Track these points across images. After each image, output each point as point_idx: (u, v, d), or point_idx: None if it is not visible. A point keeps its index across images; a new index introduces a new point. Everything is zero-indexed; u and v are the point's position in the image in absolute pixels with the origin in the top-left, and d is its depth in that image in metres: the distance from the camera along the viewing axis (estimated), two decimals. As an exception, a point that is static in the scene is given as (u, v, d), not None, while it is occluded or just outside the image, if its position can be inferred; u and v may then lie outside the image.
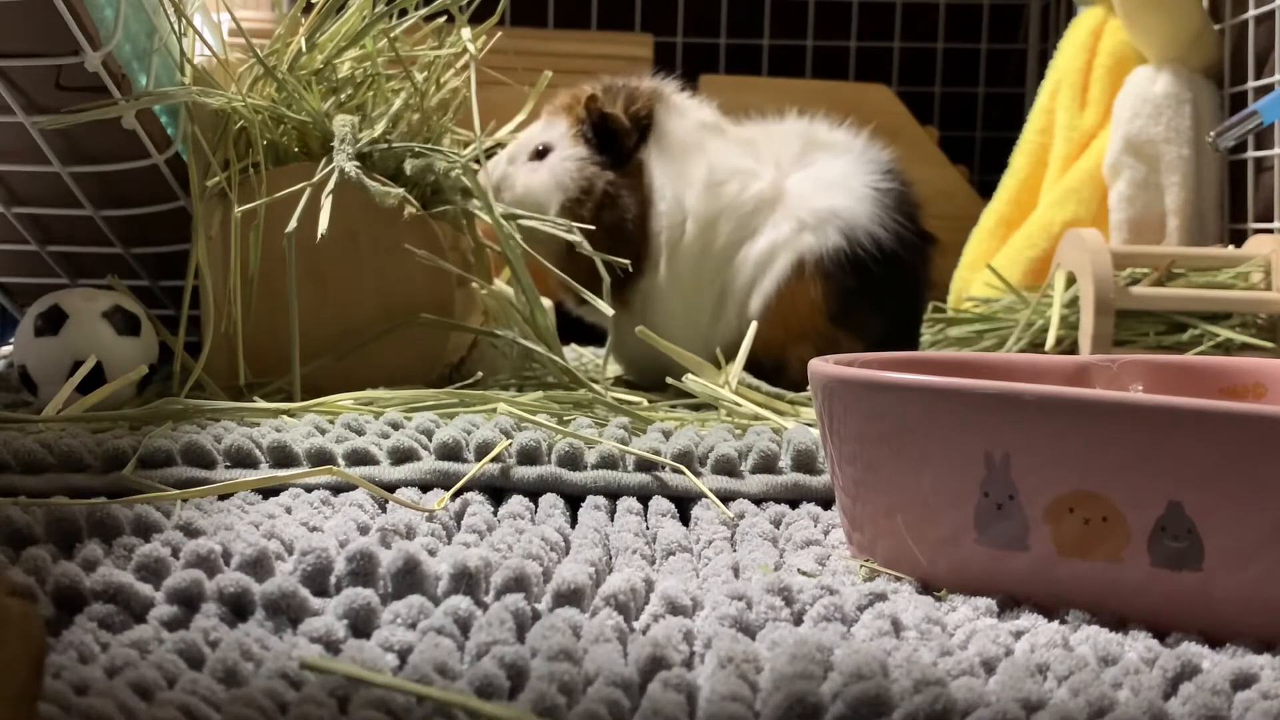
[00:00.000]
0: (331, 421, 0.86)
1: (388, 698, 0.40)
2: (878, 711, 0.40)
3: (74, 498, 0.65)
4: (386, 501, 0.70)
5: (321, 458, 0.77)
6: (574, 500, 0.75)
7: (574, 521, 0.71)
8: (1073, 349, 1.28)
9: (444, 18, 1.17)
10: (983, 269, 1.58)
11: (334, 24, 1.11)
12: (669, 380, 1.03)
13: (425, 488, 0.75)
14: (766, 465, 0.78)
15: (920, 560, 0.57)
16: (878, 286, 1.16)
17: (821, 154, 1.21)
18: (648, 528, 0.69)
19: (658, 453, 0.78)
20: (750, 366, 1.06)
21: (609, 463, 0.77)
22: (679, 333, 1.15)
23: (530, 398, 0.97)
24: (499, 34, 1.23)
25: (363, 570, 0.52)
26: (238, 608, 0.50)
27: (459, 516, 0.69)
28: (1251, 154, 1.50)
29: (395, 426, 0.84)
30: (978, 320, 1.46)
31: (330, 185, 0.99)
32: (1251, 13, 1.50)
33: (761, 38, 2.22)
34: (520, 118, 1.28)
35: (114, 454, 0.74)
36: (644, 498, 0.75)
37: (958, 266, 1.71)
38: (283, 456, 0.77)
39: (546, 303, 1.21)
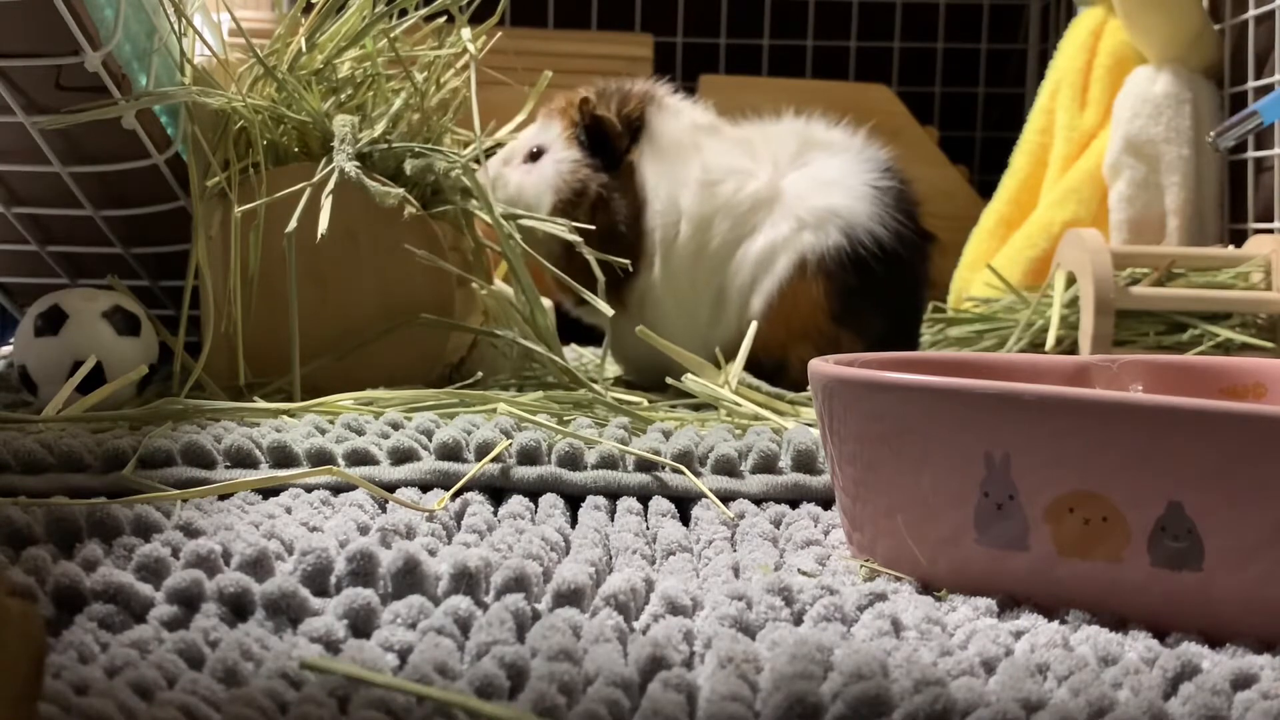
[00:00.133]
0: (331, 421, 0.86)
1: (388, 698, 0.40)
2: (878, 711, 0.40)
3: (74, 498, 0.65)
4: (386, 501, 0.70)
5: (321, 458, 0.77)
6: (574, 500, 0.75)
7: (574, 521, 0.71)
8: (1073, 349, 1.28)
9: (444, 18, 1.17)
10: (983, 269, 1.58)
11: (334, 24, 1.11)
12: (669, 380, 1.03)
13: (425, 488, 0.75)
14: (766, 465, 0.78)
15: (920, 560, 0.57)
16: (879, 285, 1.16)
17: (819, 153, 1.21)
18: (648, 528, 0.69)
19: (658, 453, 0.78)
20: (751, 366, 1.06)
21: (609, 463, 0.77)
22: (675, 333, 1.15)
23: (530, 398, 0.97)
24: (499, 34, 1.23)
25: (363, 570, 0.52)
26: (238, 608, 0.50)
27: (459, 516, 0.69)
28: (1251, 154, 1.50)
29: (395, 426, 0.84)
30: (978, 320, 1.46)
31: (330, 185, 0.99)
32: (1251, 13, 1.50)
33: (761, 38, 2.22)
34: (520, 118, 1.28)
35: (114, 454, 0.74)
36: (644, 498, 0.75)
37: (958, 266, 1.71)
38: (283, 456, 0.77)
39: (546, 303, 1.21)
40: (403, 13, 1.13)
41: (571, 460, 0.77)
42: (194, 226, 1.04)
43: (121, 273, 1.13)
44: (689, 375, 1.01)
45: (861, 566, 0.60)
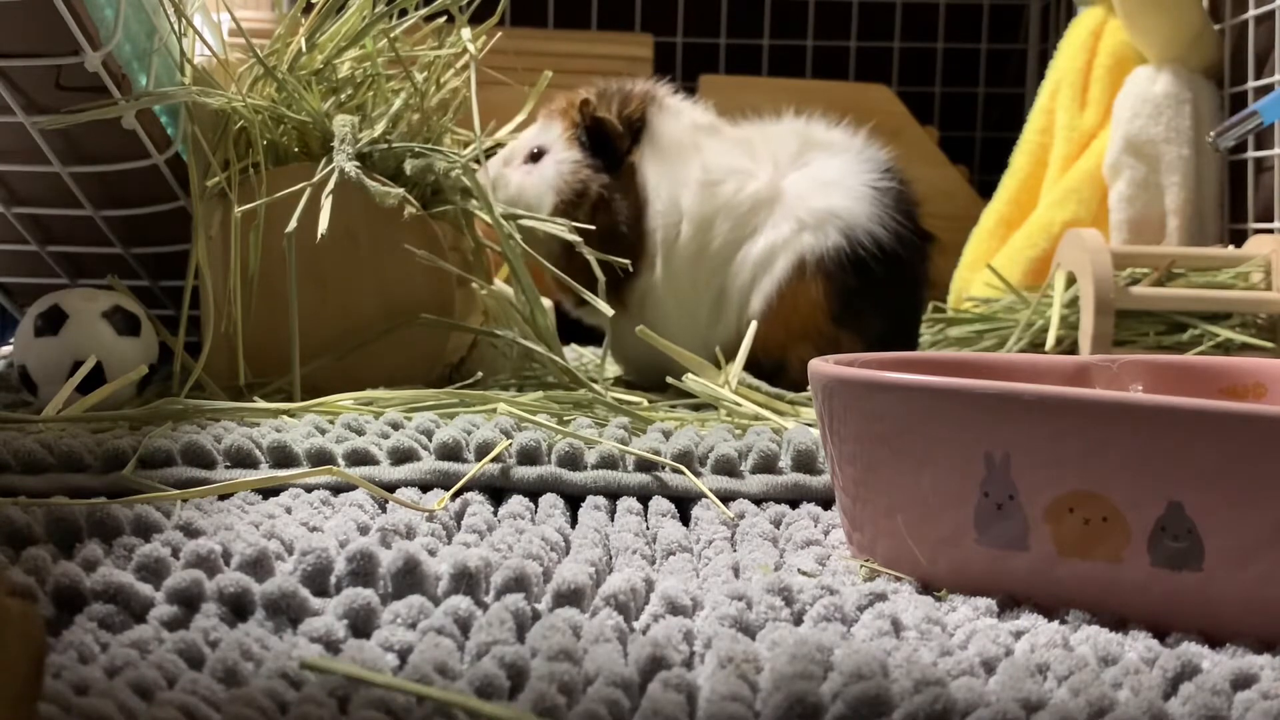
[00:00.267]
0: (331, 421, 0.86)
1: (388, 698, 0.40)
2: (878, 711, 0.40)
3: (74, 498, 0.65)
4: (386, 501, 0.70)
5: (321, 458, 0.77)
6: (574, 500, 0.75)
7: (574, 521, 0.71)
8: (1073, 349, 1.28)
9: (444, 18, 1.17)
10: (983, 269, 1.58)
11: (334, 24, 1.11)
12: (669, 380, 1.03)
13: (425, 488, 0.75)
14: (766, 465, 0.78)
15: (920, 560, 0.57)
16: (878, 286, 1.16)
17: (819, 153, 1.21)
18: (648, 528, 0.69)
19: (658, 453, 0.78)
20: (750, 367, 1.06)
21: (609, 463, 0.77)
22: (676, 333, 1.15)
23: (530, 398, 0.97)
24: (499, 34, 1.23)
25: (363, 570, 0.52)
26: (238, 608, 0.50)
27: (459, 516, 0.69)
28: (1251, 154, 1.50)
29: (395, 426, 0.84)
30: (978, 320, 1.46)
31: (330, 185, 0.99)
32: (1251, 13, 1.50)
33: (761, 38, 2.22)
34: (520, 118, 1.28)
35: (114, 454, 0.74)
36: (644, 498, 0.75)
37: (958, 266, 1.71)
38: (283, 456, 0.77)
39: (546, 303, 1.21)
40: (403, 13, 1.13)
41: (571, 460, 0.77)
42: (194, 226, 1.04)
43: (121, 273, 1.13)
44: (689, 375, 1.01)
45: (861, 566, 0.60)
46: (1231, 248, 1.38)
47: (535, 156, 1.23)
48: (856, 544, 0.61)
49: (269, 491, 0.73)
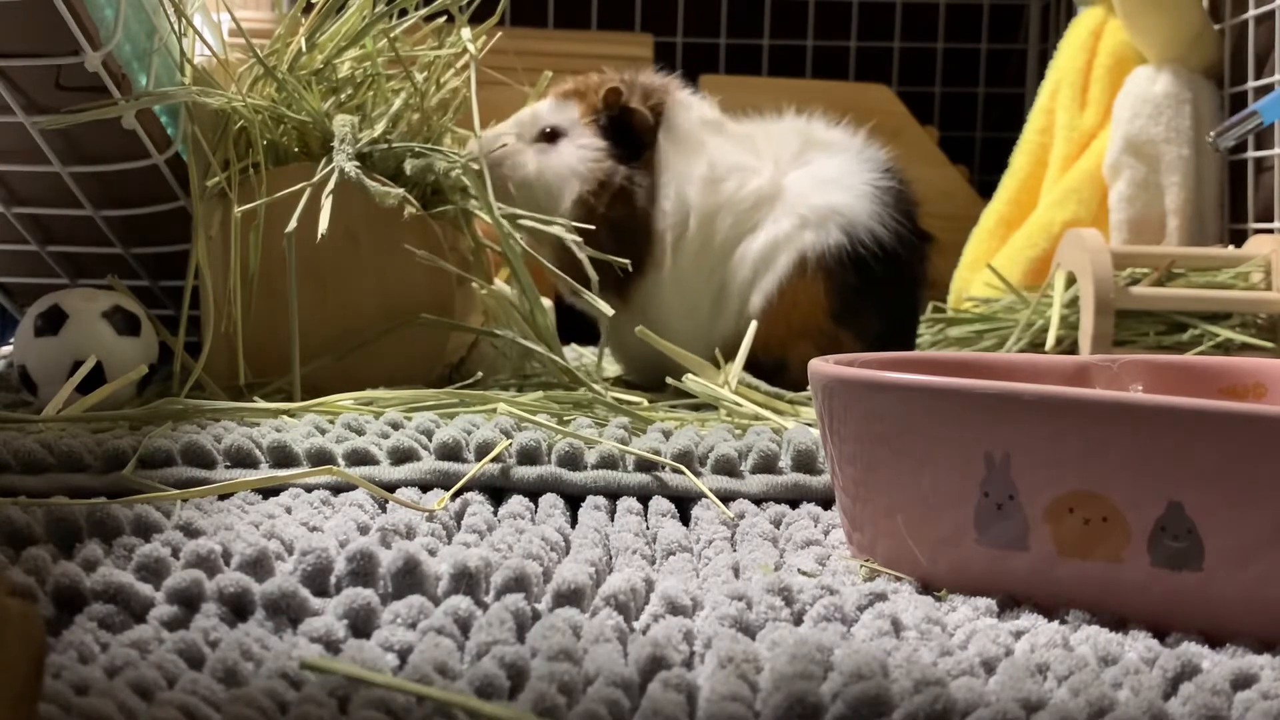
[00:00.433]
0: (331, 421, 0.86)
1: (388, 698, 0.40)
2: (878, 711, 0.40)
3: (74, 498, 0.65)
4: (386, 501, 0.70)
5: (321, 458, 0.77)
6: (574, 500, 0.75)
7: (574, 521, 0.71)
8: (1073, 349, 1.28)
9: (444, 18, 1.17)
10: (983, 269, 1.58)
11: (334, 24, 1.11)
12: (669, 380, 1.03)
13: (425, 488, 0.75)
14: (766, 465, 0.78)
15: (920, 560, 0.57)
16: (878, 284, 1.16)
17: (819, 152, 1.22)
18: (648, 528, 0.69)
19: (658, 453, 0.78)
20: (750, 365, 1.06)
21: (609, 463, 0.77)
22: (680, 330, 1.14)
23: (530, 398, 0.97)
24: (499, 34, 1.23)
25: (363, 570, 0.52)
26: (238, 608, 0.50)
27: (459, 516, 0.69)
28: (1251, 154, 1.50)
29: (395, 426, 0.84)
30: (978, 320, 1.46)
31: (330, 185, 0.99)
32: (1251, 13, 1.50)
33: (761, 38, 2.22)
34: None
35: (114, 454, 0.74)
36: (644, 498, 0.75)
37: (958, 266, 1.71)
38: (283, 456, 0.77)
39: (546, 302, 1.21)
40: (403, 13, 1.13)
41: (571, 460, 0.77)
42: (194, 226, 1.04)
43: (121, 273, 1.13)
44: (689, 375, 1.01)
45: (861, 566, 0.60)
46: (1231, 248, 1.38)
47: (549, 136, 1.20)
48: (856, 544, 0.61)
49: (269, 491, 0.73)
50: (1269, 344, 1.27)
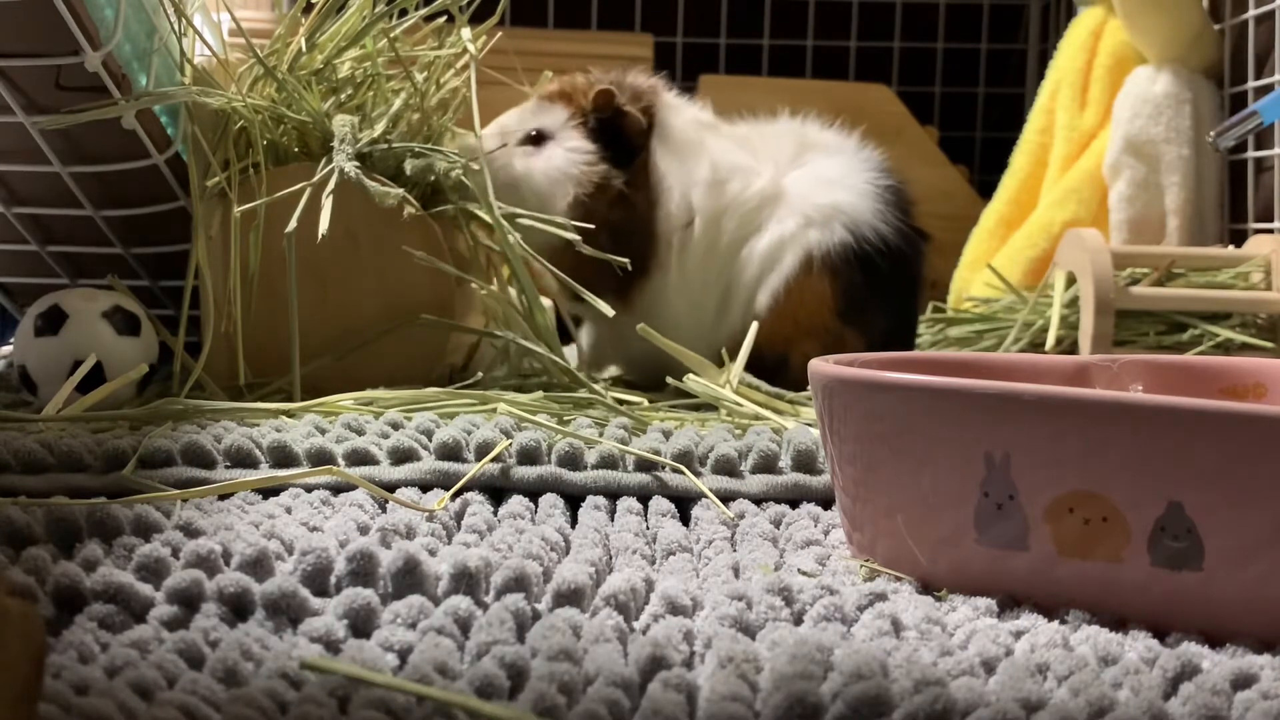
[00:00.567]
0: (331, 421, 0.86)
1: (388, 698, 0.40)
2: (878, 711, 0.40)
3: (74, 498, 0.65)
4: (386, 501, 0.70)
5: (321, 458, 0.77)
6: (574, 500, 0.75)
7: (574, 521, 0.71)
8: (1073, 349, 1.28)
9: (444, 18, 1.17)
10: (983, 269, 1.58)
11: (334, 24, 1.11)
12: (669, 380, 1.03)
13: (425, 488, 0.75)
14: (766, 465, 0.78)
15: (920, 560, 0.57)
16: (883, 282, 1.17)
17: (816, 153, 1.22)
18: (648, 528, 0.69)
19: (658, 453, 0.78)
20: (754, 361, 1.06)
21: (609, 463, 0.77)
22: (685, 331, 1.14)
23: (530, 398, 0.97)
24: (499, 34, 1.23)
25: (363, 570, 0.52)
26: (238, 608, 0.50)
27: (459, 516, 0.69)
28: (1251, 154, 1.50)
29: (395, 426, 0.84)
30: (978, 320, 1.46)
31: (330, 185, 0.99)
32: (1251, 13, 1.50)
33: (761, 38, 2.22)
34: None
35: (114, 454, 0.74)
36: (644, 498, 0.75)
37: (958, 266, 1.71)
38: (283, 456, 0.77)
39: (546, 302, 1.21)
40: (403, 13, 1.13)
41: (571, 460, 0.77)
42: (194, 226, 1.04)
43: (121, 273, 1.13)
44: (690, 375, 1.01)
45: (861, 566, 0.60)
46: (1231, 248, 1.38)
47: (534, 140, 1.18)
48: (856, 544, 0.61)
49: (269, 491, 0.73)
50: (1269, 344, 1.27)
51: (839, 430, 0.59)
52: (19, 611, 0.35)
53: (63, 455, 0.74)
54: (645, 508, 0.74)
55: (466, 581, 0.51)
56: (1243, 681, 0.45)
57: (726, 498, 0.74)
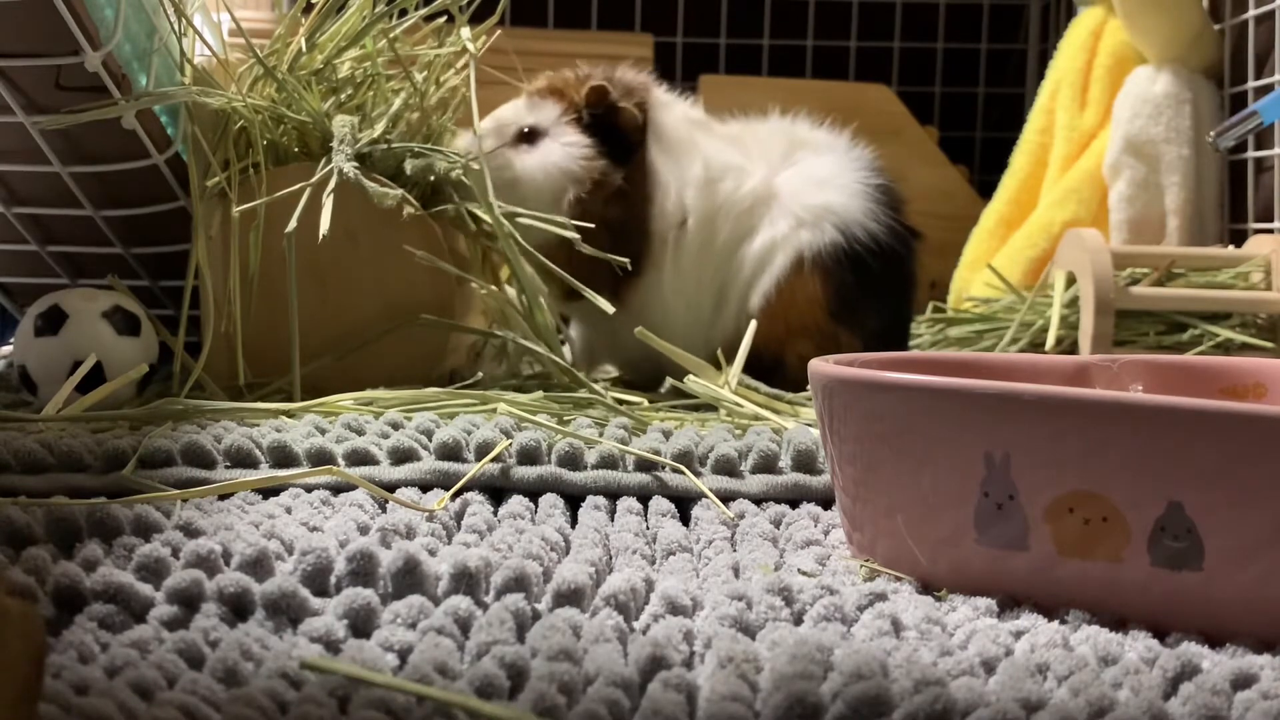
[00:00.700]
0: (331, 421, 0.86)
1: (388, 698, 0.40)
2: (878, 711, 0.40)
3: (74, 498, 0.65)
4: (386, 501, 0.70)
5: (321, 458, 0.77)
6: (574, 500, 0.75)
7: (574, 521, 0.71)
8: (1073, 349, 1.28)
9: (444, 18, 1.17)
10: (983, 269, 1.58)
11: (334, 24, 1.11)
12: (670, 381, 1.03)
13: (425, 488, 0.75)
14: (766, 465, 0.78)
15: (920, 560, 0.57)
16: (874, 282, 1.17)
17: (807, 152, 1.22)
18: (648, 528, 0.69)
19: (658, 453, 0.78)
20: (749, 361, 1.06)
21: (609, 463, 0.77)
22: (680, 331, 1.14)
23: (530, 398, 0.97)
24: (497, 33, 1.22)
25: (363, 570, 0.52)
26: (238, 608, 0.50)
27: (459, 516, 0.69)
28: (1251, 154, 1.50)
29: (395, 426, 0.84)
30: (978, 320, 1.46)
31: (331, 186, 0.99)
32: (1251, 13, 1.50)
33: (761, 38, 2.22)
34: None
35: (114, 454, 0.74)
36: (644, 498, 0.75)
37: (958, 266, 1.71)
38: (283, 456, 0.77)
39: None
40: (403, 13, 1.13)
41: (571, 460, 0.77)
42: (194, 226, 1.04)
43: (121, 273, 1.13)
44: (690, 377, 1.01)
45: (861, 566, 0.60)
46: (1231, 248, 1.38)
47: (527, 137, 1.17)
48: (856, 544, 0.61)
49: (269, 491, 0.73)
50: (1269, 344, 1.27)
51: (839, 430, 0.59)
52: (19, 611, 0.35)
53: (63, 455, 0.74)
54: (645, 508, 0.74)
55: (466, 581, 0.51)
56: (1243, 681, 0.45)
57: (726, 498, 0.74)
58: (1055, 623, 0.52)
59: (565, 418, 0.91)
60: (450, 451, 0.77)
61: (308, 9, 1.12)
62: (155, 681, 0.42)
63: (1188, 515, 0.50)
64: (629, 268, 1.10)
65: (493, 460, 0.76)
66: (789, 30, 2.23)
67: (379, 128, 1.08)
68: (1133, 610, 0.52)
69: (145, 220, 1.10)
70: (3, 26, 0.91)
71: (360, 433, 0.82)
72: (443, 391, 0.96)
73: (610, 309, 1.06)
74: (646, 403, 1.00)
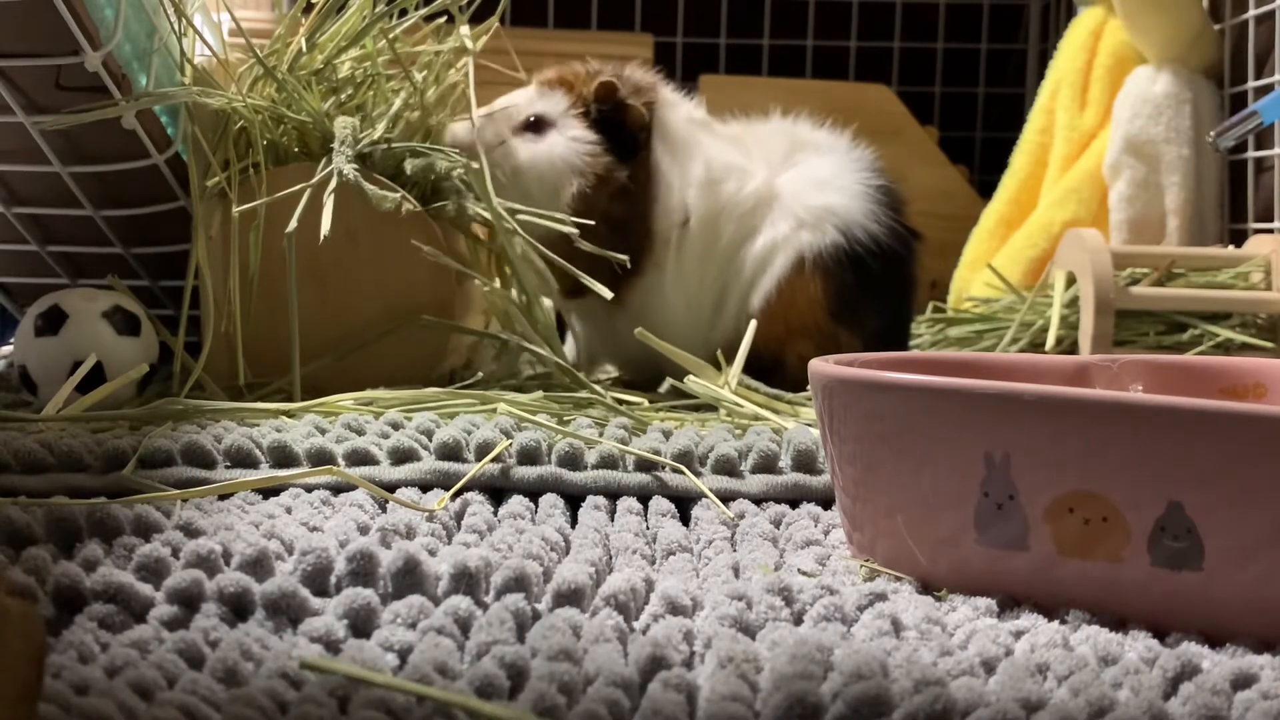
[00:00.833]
0: (332, 421, 0.86)
1: (388, 698, 0.40)
2: (878, 711, 0.40)
3: (74, 498, 0.65)
4: (386, 501, 0.70)
5: (321, 458, 0.77)
6: (574, 500, 0.75)
7: (574, 521, 0.71)
8: (1073, 349, 1.28)
9: (444, 18, 1.17)
10: (983, 269, 1.58)
11: (334, 24, 1.11)
12: (670, 381, 1.03)
13: (425, 488, 0.75)
14: (766, 465, 0.78)
15: (920, 560, 0.57)
16: (875, 282, 1.17)
17: (808, 153, 1.22)
18: (648, 528, 0.69)
19: (658, 453, 0.78)
20: (748, 361, 1.06)
21: (609, 463, 0.77)
22: (680, 331, 1.14)
23: (530, 398, 0.97)
24: (494, 27, 1.22)
25: (363, 570, 0.52)
26: (238, 608, 0.50)
27: (459, 516, 0.69)
28: (1251, 154, 1.50)
29: (395, 426, 0.84)
30: (978, 320, 1.46)
31: (331, 186, 0.99)
32: (1251, 13, 1.50)
33: (761, 38, 2.22)
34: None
35: (114, 454, 0.74)
36: (644, 498, 0.75)
37: (958, 266, 1.71)
38: (283, 456, 0.77)
39: (546, 302, 1.21)
40: (403, 13, 1.13)
41: (571, 460, 0.77)
42: (194, 226, 1.04)
43: (121, 273, 1.13)
44: (690, 376, 1.01)
45: (861, 566, 0.60)
46: (1231, 248, 1.38)
47: (533, 126, 1.17)
48: (856, 544, 0.61)
49: (269, 491, 0.73)
50: (1269, 344, 1.27)
51: (839, 430, 0.59)
52: (19, 611, 0.35)
53: (63, 455, 0.74)
54: (645, 508, 0.74)
55: (466, 581, 0.51)
56: (1243, 681, 0.45)
57: (726, 498, 0.74)
58: (1055, 623, 0.52)
59: (565, 418, 0.91)
60: (450, 451, 0.77)
61: (308, 9, 1.12)
62: (155, 681, 0.42)
63: (1188, 515, 0.50)
64: (627, 265, 1.10)
65: (493, 460, 0.76)
66: (789, 30, 2.23)
67: (379, 128, 1.08)
68: (1133, 610, 0.52)
69: (145, 220, 1.10)
70: (3, 26, 0.91)
71: (360, 433, 0.82)
72: (443, 391, 0.96)
73: (608, 294, 1.06)
74: (646, 403, 1.00)
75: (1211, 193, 1.53)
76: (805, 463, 0.78)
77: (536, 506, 0.72)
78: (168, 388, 1.03)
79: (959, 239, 1.72)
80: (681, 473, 0.76)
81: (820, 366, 0.60)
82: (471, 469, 0.75)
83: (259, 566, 0.53)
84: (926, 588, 0.57)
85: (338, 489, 0.74)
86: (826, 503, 0.75)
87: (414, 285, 1.08)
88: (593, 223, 1.11)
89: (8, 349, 1.18)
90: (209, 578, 0.51)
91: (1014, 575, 0.54)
